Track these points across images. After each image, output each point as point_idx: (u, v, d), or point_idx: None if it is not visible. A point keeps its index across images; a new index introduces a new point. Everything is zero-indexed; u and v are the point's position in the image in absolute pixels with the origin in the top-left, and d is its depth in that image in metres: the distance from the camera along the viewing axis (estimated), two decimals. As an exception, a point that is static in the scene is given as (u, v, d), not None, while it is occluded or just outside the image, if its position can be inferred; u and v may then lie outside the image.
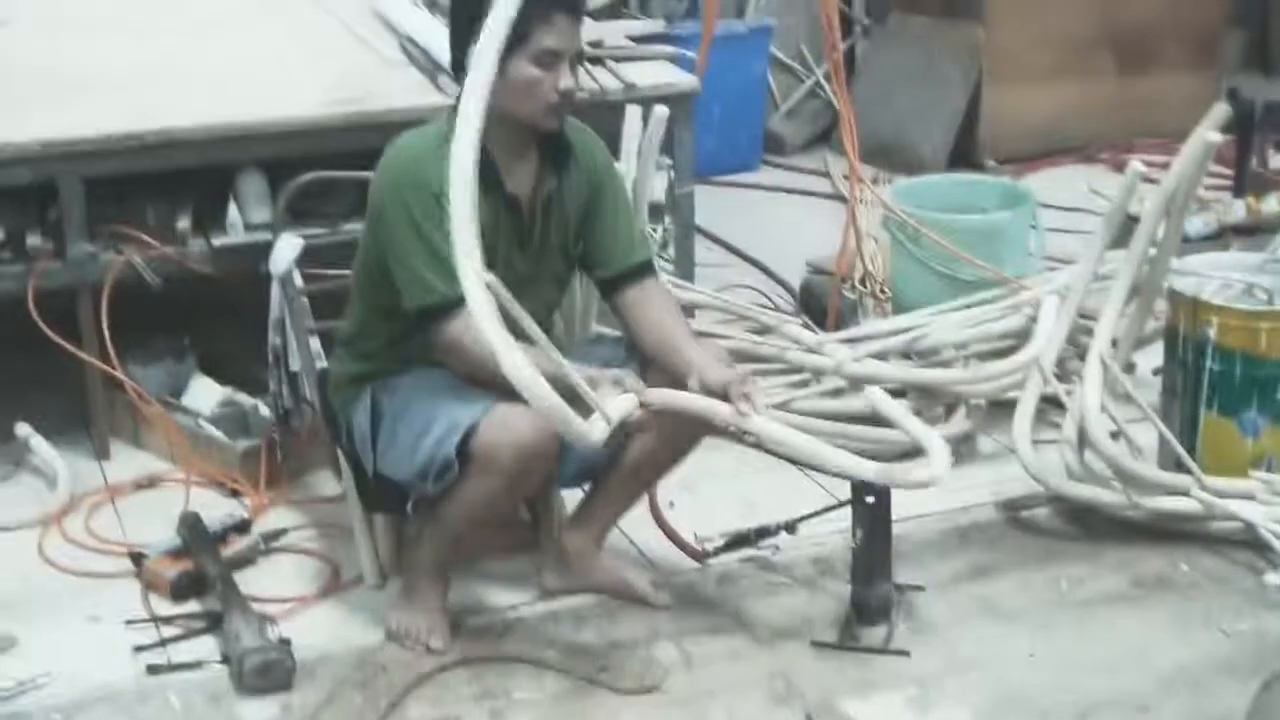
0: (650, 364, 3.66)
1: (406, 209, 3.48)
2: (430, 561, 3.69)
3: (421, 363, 3.59)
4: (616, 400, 3.36)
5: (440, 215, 3.36)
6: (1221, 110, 4.15)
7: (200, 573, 3.87)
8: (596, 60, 5.10)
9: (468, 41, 3.36)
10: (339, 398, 3.76)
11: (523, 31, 3.42)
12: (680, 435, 3.70)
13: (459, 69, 3.54)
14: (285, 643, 3.58)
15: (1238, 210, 5.82)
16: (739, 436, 4.19)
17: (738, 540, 4.01)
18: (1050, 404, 4.44)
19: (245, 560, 4.01)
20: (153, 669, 3.59)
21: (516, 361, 3.08)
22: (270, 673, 3.49)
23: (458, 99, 3.49)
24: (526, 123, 3.54)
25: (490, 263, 3.46)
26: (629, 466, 3.71)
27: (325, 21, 5.66)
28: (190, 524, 4.02)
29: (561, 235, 3.70)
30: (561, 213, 3.68)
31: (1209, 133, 4.10)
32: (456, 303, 3.30)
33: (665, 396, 3.49)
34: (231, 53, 5.28)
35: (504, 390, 3.22)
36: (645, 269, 3.75)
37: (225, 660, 3.58)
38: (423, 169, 3.49)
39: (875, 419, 4.56)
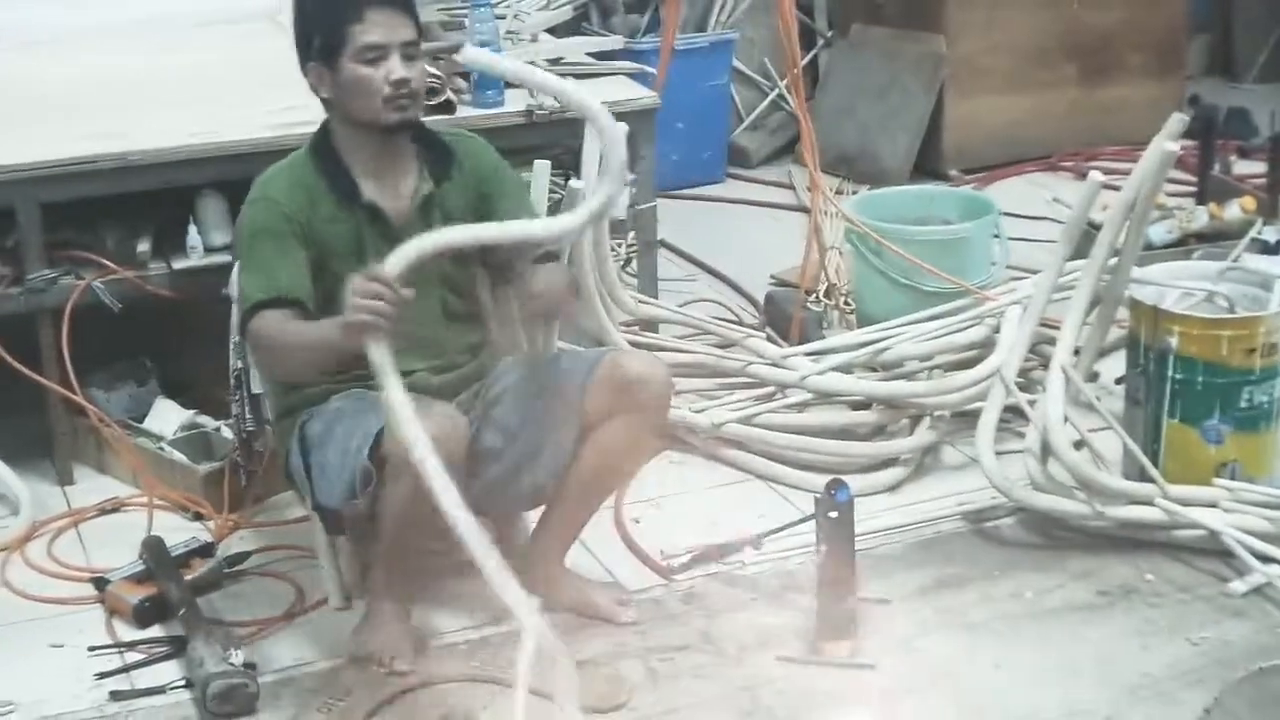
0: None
1: (249, 222, 3.63)
2: (384, 583, 3.68)
3: (338, 386, 3.64)
4: None
5: (274, 226, 3.56)
6: (1179, 120, 4.15)
7: (163, 597, 3.86)
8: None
9: (304, 59, 3.63)
10: (276, 432, 3.79)
11: (340, 34, 3.53)
12: (631, 448, 3.72)
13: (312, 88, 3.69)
14: (249, 667, 3.57)
15: (1200, 217, 5.81)
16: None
17: (703, 556, 4.01)
18: (1014, 414, 4.43)
19: (209, 584, 3.99)
20: (116, 695, 3.57)
21: None
22: (233, 698, 3.47)
23: (320, 126, 3.70)
24: (371, 123, 3.59)
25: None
26: (583, 482, 3.71)
27: (282, 41, 5.63)
28: (153, 548, 4.00)
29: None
30: (444, 215, 3.68)
31: (1167, 142, 4.11)
32: (257, 307, 3.50)
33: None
34: (188, 74, 5.27)
35: (319, 376, 3.56)
36: (546, 258, 3.76)
37: (189, 685, 3.56)
38: (270, 184, 3.65)
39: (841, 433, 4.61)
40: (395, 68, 3.54)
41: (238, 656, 3.58)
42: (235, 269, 3.76)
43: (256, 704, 3.50)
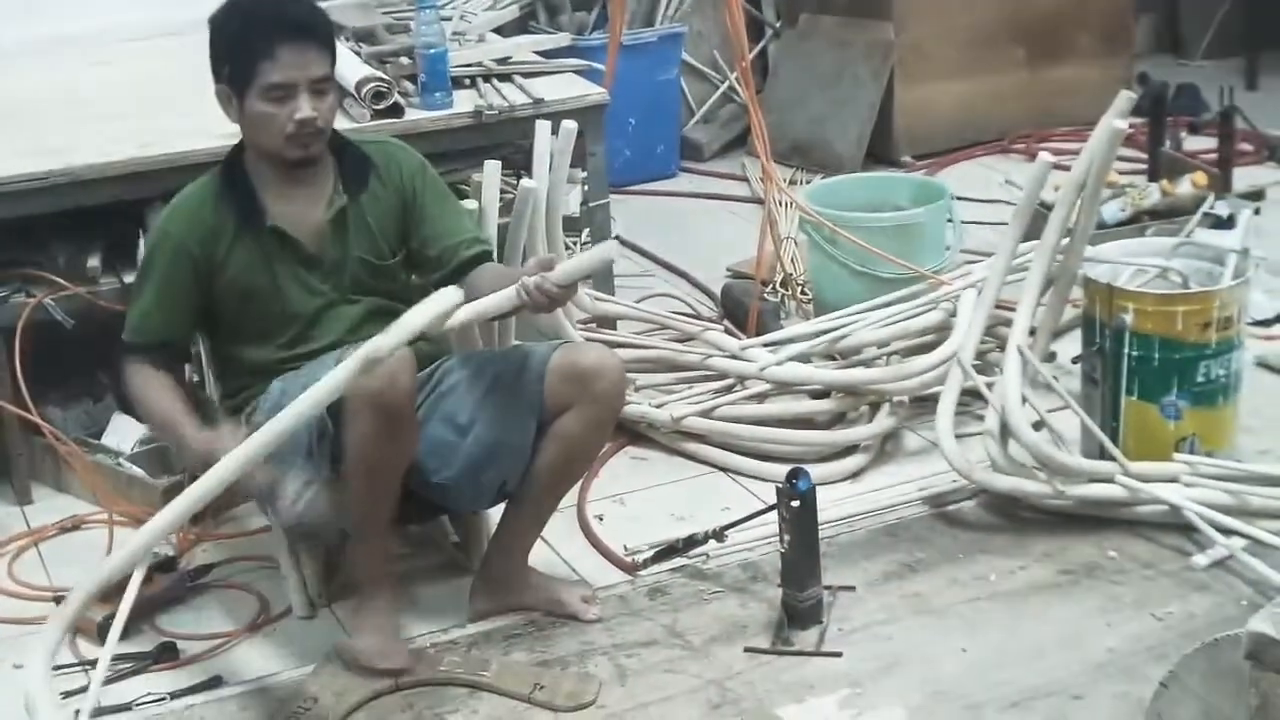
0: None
1: (145, 251, 3.73)
2: (361, 568, 3.65)
3: (274, 375, 3.66)
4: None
5: (163, 262, 3.64)
6: (1127, 98, 4.16)
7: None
8: (504, 77, 5.10)
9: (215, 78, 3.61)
10: None
11: (249, 69, 3.50)
12: (590, 439, 3.71)
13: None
14: (216, 680, 3.55)
15: (1153, 194, 5.83)
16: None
17: (667, 551, 3.99)
18: (973, 397, 4.45)
19: (173, 598, 3.97)
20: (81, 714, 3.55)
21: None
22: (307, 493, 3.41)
23: (234, 145, 3.71)
24: (273, 157, 3.60)
25: (273, 294, 3.64)
26: (544, 475, 3.70)
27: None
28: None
29: (367, 248, 3.71)
30: (361, 227, 3.71)
31: (1115, 120, 4.11)
32: (131, 348, 3.67)
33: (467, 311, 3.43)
34: (133, 87, 5.25)
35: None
36: (480, 258, 3.79)
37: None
38: (174, 216, 3.68)
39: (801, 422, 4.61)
40: (301, 106, 3.52)
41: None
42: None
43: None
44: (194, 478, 3.34)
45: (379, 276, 3.75)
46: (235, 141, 3.72)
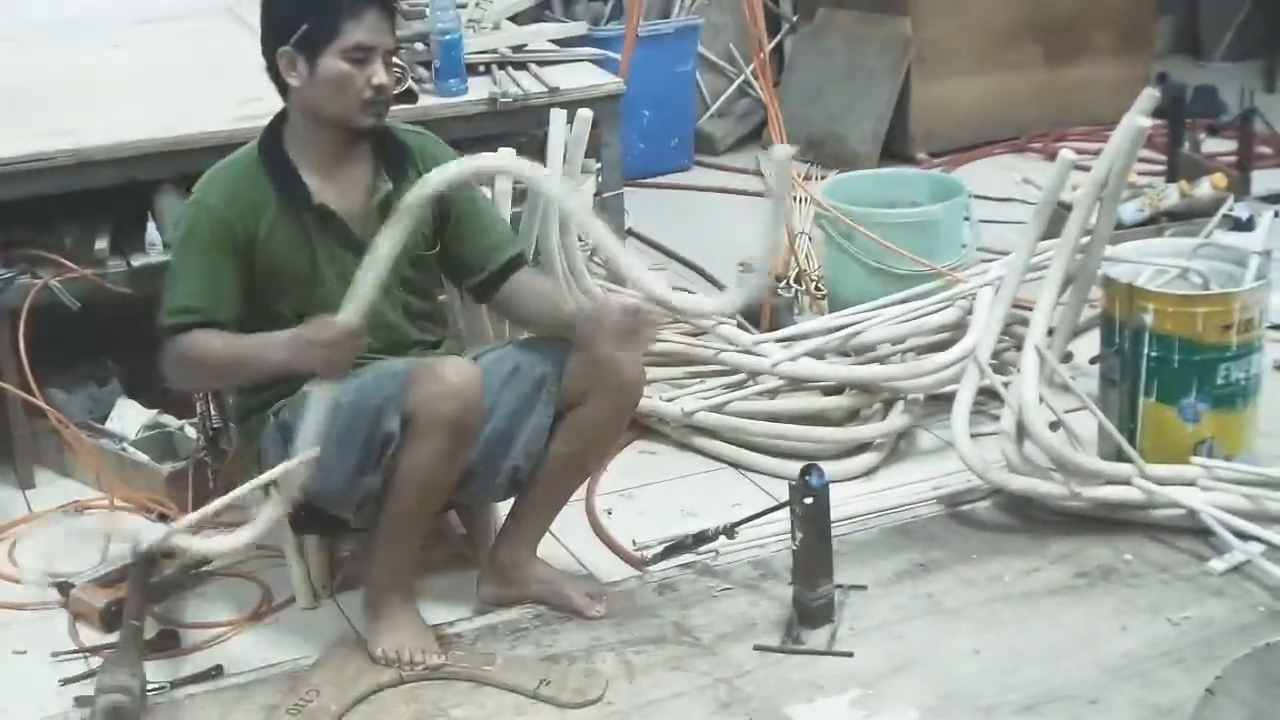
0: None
1: (183, 228, 3.55)
2: (389, 574, 3.60)
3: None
4: None
5: (206, 236, 3.49)
6: (1150, 96, 4.11)
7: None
8: (520, 65, 5.05)
9: (278, 42, 3.49)
10: (242, 433, 3.72)
11: (332, 27, 3.44)
12: (607, 429, 3.72)
13: (273, 73, 3.56)
14: (216, 670, 3.53)
15: (1171, 195, 5.79)
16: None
17: (676, 547, 3.95)
18: (989, 396, 4.40)
19: (175, 585, 3.93)
20: (80, 701, 3.50)
21: None
22: (119, 715, 3.34)
23: (272, 119, 3.61)
24: (341, 123, 3.52)
25: (311, 278, 3.55)
26: (558, 465, 3.68)
27: (238, 31, 5.59)
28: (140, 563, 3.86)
29: (408, 240, 3.59)
30: None
31: (1139, 118, 4.06)
32: (181, 328, 3.47)
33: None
34: (143, 67, 5.22)
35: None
36: (516, 263, 3.77)
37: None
38: (211, 189, 3.55)
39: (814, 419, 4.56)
40: (378, 72, 3.48)
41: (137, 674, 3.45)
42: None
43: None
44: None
45: (418, 266, 3.68)
46: (251, 123, 3.66)
